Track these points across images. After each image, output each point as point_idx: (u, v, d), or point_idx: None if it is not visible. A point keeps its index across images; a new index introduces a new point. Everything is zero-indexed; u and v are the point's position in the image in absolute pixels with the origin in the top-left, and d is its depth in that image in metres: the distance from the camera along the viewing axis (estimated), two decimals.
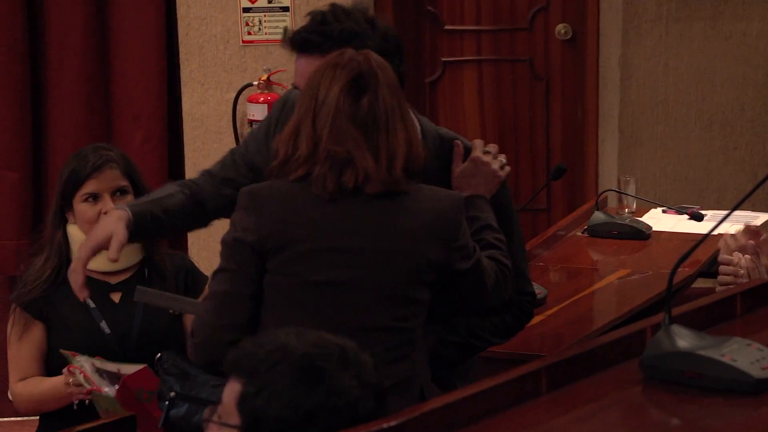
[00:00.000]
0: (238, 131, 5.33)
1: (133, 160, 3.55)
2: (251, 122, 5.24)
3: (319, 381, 2.12)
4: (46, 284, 3.40)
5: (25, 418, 5.48)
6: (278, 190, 2.70)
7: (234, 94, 5.32)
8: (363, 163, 2.63)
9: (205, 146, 5.33)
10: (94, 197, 3.38)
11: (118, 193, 3.40)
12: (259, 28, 5.32)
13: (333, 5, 2.90)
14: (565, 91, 5.67)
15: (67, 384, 3.30)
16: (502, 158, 2.94)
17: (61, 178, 3.43)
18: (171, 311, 3.30)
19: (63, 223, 3.43)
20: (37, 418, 3.57)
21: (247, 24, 5.32)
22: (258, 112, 5.20)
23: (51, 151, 5.38)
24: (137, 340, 3.41)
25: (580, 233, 4.40)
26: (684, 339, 2.19)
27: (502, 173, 2.92)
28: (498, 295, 2.82)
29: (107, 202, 3.37)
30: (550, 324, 3.53)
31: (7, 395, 5.45)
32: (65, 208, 3.43)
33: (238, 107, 5.33)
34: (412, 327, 2.71)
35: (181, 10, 5.30)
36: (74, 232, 3.42)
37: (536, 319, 3.53)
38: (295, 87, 2.93)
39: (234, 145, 5.26)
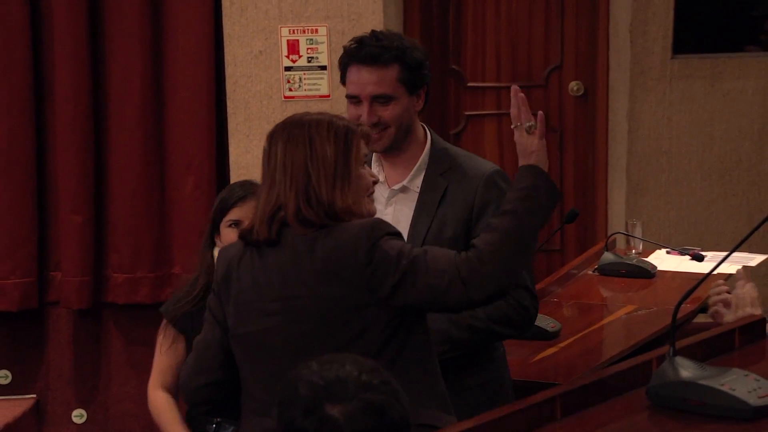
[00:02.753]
0: None
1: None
2: None
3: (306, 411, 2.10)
4: (195, 301, 3.45)
5: None
6: (232, 247, 2.72)
7: None
8: (253, 216, 2.66)
9: None
10: (237, 224, 3.44)
11: None
12: (299, 85, 5.35)
13: (373, 31, 3.12)
14: (577, 143, 5.68)
15: None
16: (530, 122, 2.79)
17: (213, 207, 3.53)
18: None
19: (212, 246, 3.50)
20: None
21: (288, 81, 5.35)
22: None
23: (111, 196, 5.41)
24: None
25: (591, 272, 4.38)
26: (687, 369, 2.18)
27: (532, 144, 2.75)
28: (461, 286, 2.52)
29: None
30: (563, 355, 3.51)
31: (70, 417, 5.51)
32: (215, 232, 3.50)
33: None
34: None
35: (229, 69, 5.33)
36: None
37: (551, 350, 3.52)
38: (349, 96, 3.09)
39: None
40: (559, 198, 2.70)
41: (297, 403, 2.06)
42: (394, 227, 2.62)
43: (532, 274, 3.10)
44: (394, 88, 3.06)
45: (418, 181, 3.10)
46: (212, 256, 3.47)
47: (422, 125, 3.18)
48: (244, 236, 2.66)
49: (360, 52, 3.05)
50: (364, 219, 2.60)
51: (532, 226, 2.60)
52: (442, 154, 3.13)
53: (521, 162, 2.73)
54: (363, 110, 3.05)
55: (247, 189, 3.53)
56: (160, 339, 3.55)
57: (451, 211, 3.03)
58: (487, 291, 2.53)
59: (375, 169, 3.16)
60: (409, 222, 3.05)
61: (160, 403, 3.56)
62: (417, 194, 3.10)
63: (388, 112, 3.05)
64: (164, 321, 3.53)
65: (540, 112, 2.82)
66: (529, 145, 2.73)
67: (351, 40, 3.12)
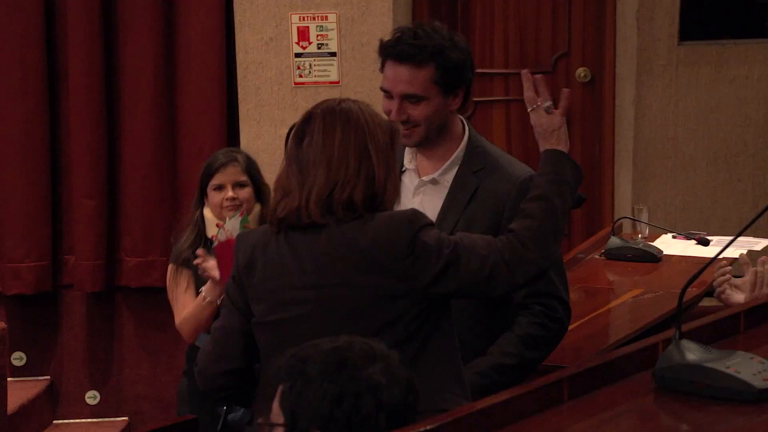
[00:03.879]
0: None
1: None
2: None
3: (341, 368, 2.10)
4: (188, 251, 3.79)
5: (104, 419, 5.55)
6: (255, 233, 2.69)
7: (286, 130, 5.32)
8: (294, 198, 2.57)
9: None
10: (220, 187, 3.79)
11: (238, 185, 3.79)
12: (309, 72, 5.34)
13: (417, 23, 3.03)
14: (584, 129, 5.67)
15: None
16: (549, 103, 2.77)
17: (201, 173, 3.85)
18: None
19: (201, 206, 3.84)
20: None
21: (298, 68, 5.34)
22: None
23: (124, 181, 5.42)
24: None
25: (597, 256, 4.39)
26: (692, 352, 2.18)
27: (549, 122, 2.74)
28: (506, 269, 2.57)
29: (228, 191, 3.77)
30: (570, 338, 3.51)
31: (84, 398, 5.54)
32: (203, 194, 3.85)
33: (289, 142, 5.34)
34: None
35: (240, 56, 5.33)
36: (207, 213, 3.83)
37: None
38: (382, 89, 3.00)
39: None
40: (581, 176, 2.75)
41: (354, 352, 2.10)
42: (429, 218, 2.61)
43: (566, 283, 3.07)
44: (425, 89, 2.94)
45: (450, 176, 3.04)
46: (201, 214, 3.83)
47: (461, 119, 3.08)
48: (284, 218, 2.57)
49: (395, 49, 2.93)
50: (399, 210, 2.60)
51: (563, 208, 2.70)
52: (479, 152, 3.04)
53: (542, 145, 2.74)
54: (393, 106, 2.95)
55: (229, 156, 3.88)
56: (173, 283, 3.82)
57: (480, 212, 2.96)
58: (529, 273, 2.61)
59: (408, 157, 3.09)
60: (436, 215, 2.98)
61: (184, 314, 3.76)
62: (447, 189, 3.03)
63: (417, 112, 2.95)
64: (175, 268, 3.81)
65: (565, 89, 2.80)
66: (551, 124, 2.74)
67: (395, 30, 3.00)
